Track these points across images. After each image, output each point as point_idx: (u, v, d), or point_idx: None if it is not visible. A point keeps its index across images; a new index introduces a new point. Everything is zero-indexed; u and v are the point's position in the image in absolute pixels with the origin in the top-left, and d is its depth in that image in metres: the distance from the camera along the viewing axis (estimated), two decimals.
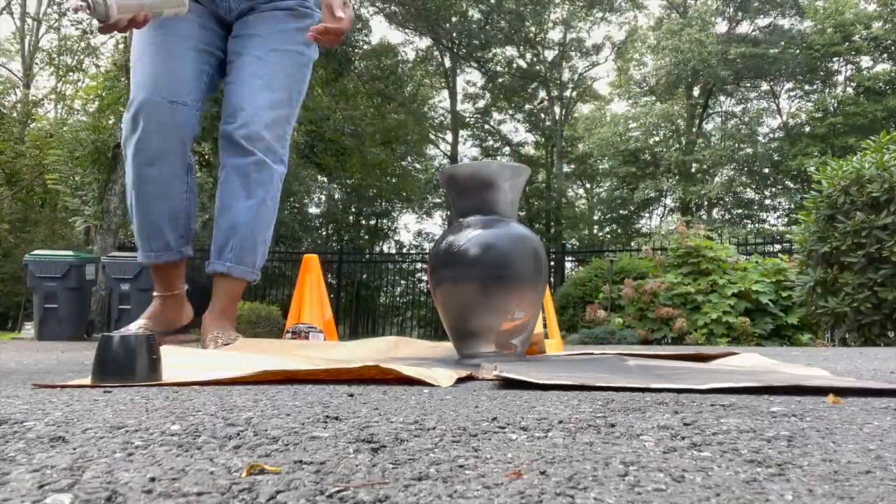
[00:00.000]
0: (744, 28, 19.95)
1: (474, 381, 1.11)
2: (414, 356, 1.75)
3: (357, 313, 12.95)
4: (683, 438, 0.55)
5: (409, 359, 1.60)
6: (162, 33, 1.74)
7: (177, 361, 1.21)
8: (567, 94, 21.40)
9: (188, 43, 1.78)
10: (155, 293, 1.99)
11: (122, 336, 1.00)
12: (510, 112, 21.99)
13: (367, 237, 19.21)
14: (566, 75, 21.26)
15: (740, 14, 19.46)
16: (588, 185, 24.12)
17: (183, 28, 1.76)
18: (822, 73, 19.33)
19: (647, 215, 23.13)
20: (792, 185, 19.28)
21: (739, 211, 21.14)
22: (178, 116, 1.72)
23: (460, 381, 1.08)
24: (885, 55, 18.29)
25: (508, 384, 1.00)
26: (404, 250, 19.27)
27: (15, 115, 11.28)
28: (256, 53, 1.84)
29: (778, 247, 9.37)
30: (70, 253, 6.04)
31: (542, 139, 21.86)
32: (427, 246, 20.79)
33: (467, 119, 22.06)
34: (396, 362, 1.14)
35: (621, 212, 22.44)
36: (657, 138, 20.15)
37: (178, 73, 1.75)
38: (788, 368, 1.34)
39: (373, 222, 19.54)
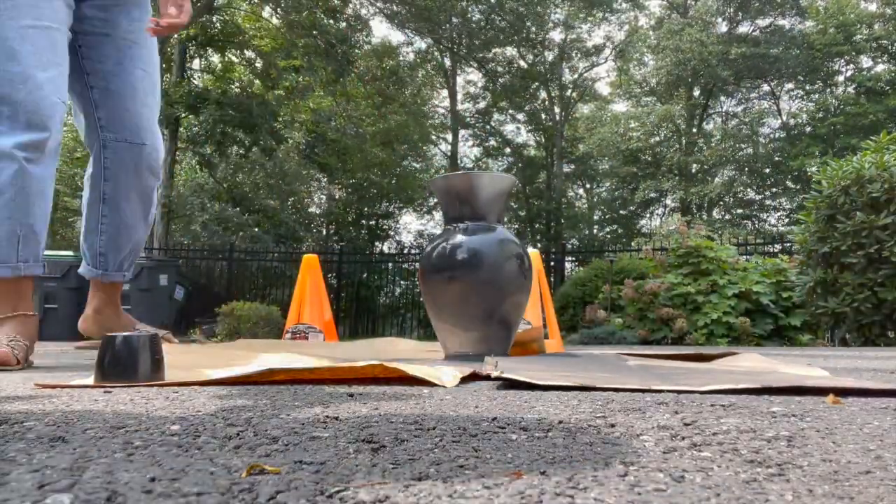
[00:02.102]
0: (744, 28, 19.95)
1: (474, 382, 1.11)
2: (415, 356, 1.75)
3: (357, 313, 12.95)
4: (683, 438, 0.55)
5: (410, 359, 1.60)
6: (35, 14, 1.56)
7: (175, 361, 1.22)
8: (567, 94, 21.40)
9: (62, 30, 1.66)
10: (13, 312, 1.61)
11: (125, 336, 1.00)
12: (511, 112, 21.99)
13: (367, 237, 19.20)
14: (567, 76, 21.26)
15: (740, 14, 19.46)
16: (588, 185, 24.12)
17: (53, 8, 1.62)
18: (823, 74, 19.34)
19: (647, 215, 23.13)
20: (793, 186, 19.28)
21: (740, 211, 21.14)
22: (62, 115, 1.66)
23: (463, 380, 1.08)
24: (886, 55, 18.30)
25: (509, 384, 1.00)
26: (404, 250, 19.27)
27: None
28: (134, 53, 1.85)
29: (778, 247, 9.37)
30: (70, 253, 6.05)
31: (543, 139, 21.86)
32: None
33: (468, 119, 22.06)
34: (399, 362, 1.14)
35: (622, 212, 22.44)
36: (658, 138, 20.16)
37: (64, 70, 1.66)
38: (788, 368, 1.34)
39: (373, 222, 19.56)
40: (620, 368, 1.33)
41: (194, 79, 13.09)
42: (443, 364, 1.22)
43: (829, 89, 19.73)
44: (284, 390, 0.91)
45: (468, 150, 23.29)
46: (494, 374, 1.06)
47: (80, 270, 2.01)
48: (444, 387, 0.98)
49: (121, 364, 0.98)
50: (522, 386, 0.97)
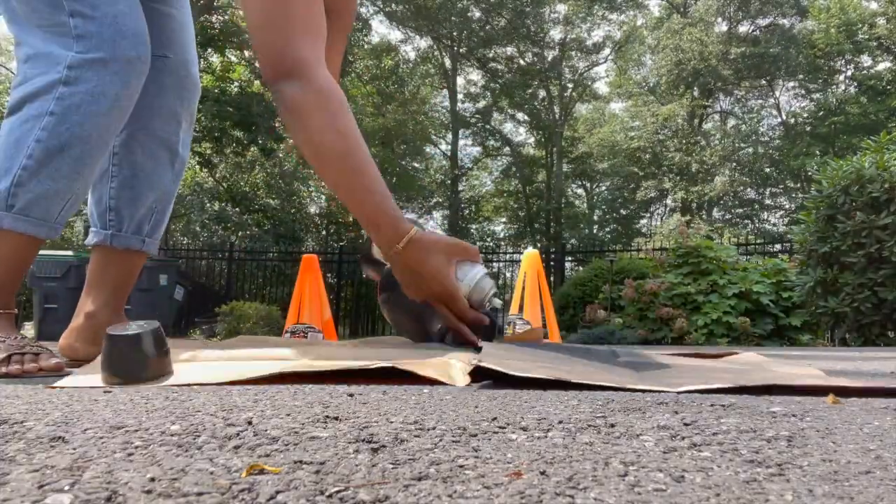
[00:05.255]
0: (745, 28, 19.96)
1: (473, 381, 1.11)
2: (414, 356, 1.74)
3: (357, 313, 12.95)
4: (683, 438, 0.55)
5: (410, 359, 1.59)
6: None
7: (175, 359, 1.21)
8: (567, 93, 21.41)
9: None
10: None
11: (127, 334, 0.99)
12: (510, 111, 22.00)
13: (367, 237, 19.17)
14: (566, 75, 21.26)
15: (741, 13, 19.46)
16: (588, 185, 24.13)
17: None
18: (823, 73, 19.34)
19: (647, 215, 23.15)
20: (793, 185, 19.29)
21: (740, 211, 21.15)
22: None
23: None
24: (887, 54, 18.30)
25: (504, 381, 1.00)
26: None
27: None
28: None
29: (778, 247, 9.38)
30: (70, 253, 6.05)
31: (543, 139, 21.86)
32: None
33: (468, 119, 22.06)
34: (404, 362, 1.14)
35: (622, 212, 22.46)
36: (658, 138, 20.16)
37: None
38: (787, 368, 1.34)
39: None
40: (609, 364, 1.32)
41: None
42: (450, 358, 1.21)
43: (829, 88, 19.73)
44: (284, 390, 0.91)
45: (468, 150, 23.29)
46: (472, 362, 1.07)
47: (87, 240, 1.58)
48: (452, 385, 0.98)
49: (126, 360, 0.97)
50: (497, 375, 0.98)
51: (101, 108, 1.29)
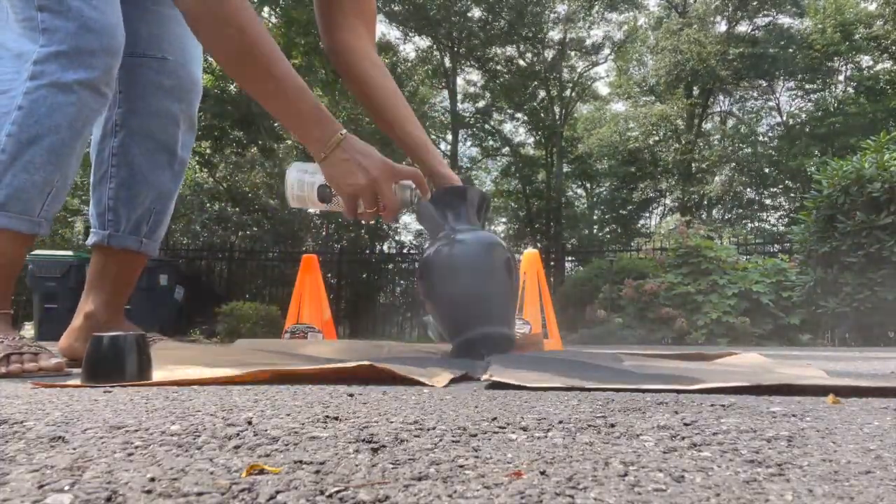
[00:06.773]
0: (743, 27, 19.96)
1: (473, 382, 1.11)
2: (408, 356, 1.74)
3: (357, 313, 12.95)
4: (683, 438, 0.55)
5: (403, 358, 1.60)
6: None
7: (172, 358, 1.21)
8: (567, 93, 21.40)
9: None
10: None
11: (111, 336, 0.99)
12: (510, 111, 21.98)
13: (367, 237, 19.18)
14: (566, 75, 21.25)
15: (739, 13, 19.46)
16: (588, 185, 24.11)
17: None
18: (822, 73, 19.33)
19: (647, 215, 23.14)
20: (792, 185, 19.29)
21: (739, 211, 21.14)
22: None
23: (456, 380, 1.09)
24: (886, 55, 18.30)
25: (500, 384, 1.00)
26: (404, 250, 19.27)
27: None
28: None
29: (778, 247, 9.38)
30: (70, 253, 6.06)
31: (542, 139, 21.85)
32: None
33: (467, 119, 22.03)
34: (390, 362, 1.14)
35: (621, 212, 22.44)
36: (657, 138, 20.16)
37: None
38: (787, 368, 1.34)
39: (373, 222, 19.46)
40: (615, 368, 1.32)
41: None
42: (433, 366, 1.22)
43: (828, 89, 19.73)
44: (284, 390, 0.91)
45: (468, 150, 23.28)
46: (484, 376, 1.06)
47: (88, 241, 1.59)
48: (434, 386, 0.98)
49: (107, 364, 0.97)
50: (512, 387, 0.97)
51: (68, 98, 1.31)
